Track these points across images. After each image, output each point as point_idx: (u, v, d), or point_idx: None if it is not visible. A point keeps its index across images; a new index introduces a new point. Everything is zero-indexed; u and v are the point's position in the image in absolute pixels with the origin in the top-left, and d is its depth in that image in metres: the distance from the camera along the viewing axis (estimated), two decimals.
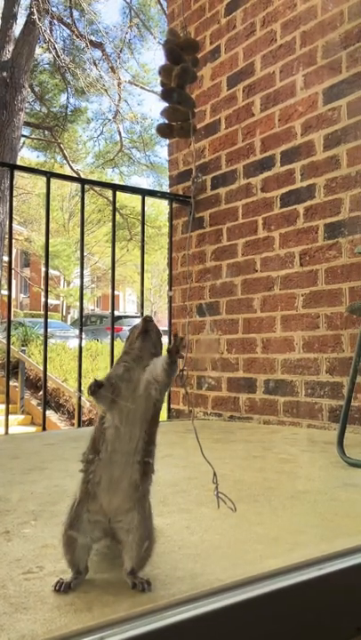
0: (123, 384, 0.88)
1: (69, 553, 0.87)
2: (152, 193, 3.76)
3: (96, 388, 0.87)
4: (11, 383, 8.77)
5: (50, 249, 3.03)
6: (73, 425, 7.96)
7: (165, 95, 0.93)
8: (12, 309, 3.16)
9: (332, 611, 0.61)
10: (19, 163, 14.43)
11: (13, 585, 0.87)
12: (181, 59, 0.94)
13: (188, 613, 0.50)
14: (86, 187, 3.29)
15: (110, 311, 3.36)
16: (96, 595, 0.83)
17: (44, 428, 3.11)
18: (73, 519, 0.87)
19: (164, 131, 0.98)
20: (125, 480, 0.86)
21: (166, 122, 0.95)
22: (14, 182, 2.94)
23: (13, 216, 3.07)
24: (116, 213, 3.46)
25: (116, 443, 0.86)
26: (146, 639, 0.46)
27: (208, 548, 1.05)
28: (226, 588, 0.55)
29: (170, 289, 3.50)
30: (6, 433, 2.84)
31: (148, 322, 0.94)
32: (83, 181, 3.34)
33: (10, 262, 2.96)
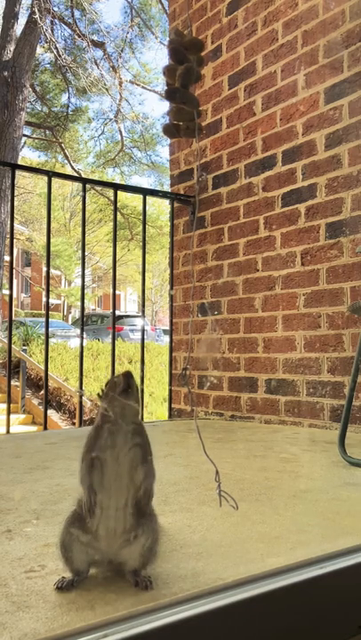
0: (107, 451, 0.86)
1: (67, 561, 0.87)
2: (153, 192, 3.76)
3: (94, 501, 0.86)
4: (12, 382, 8.79)
5: (51, 248, 3.04)
6: (74, 424, 7.97)
7: (169, 95, 0.93)
8: (14, 309, 3.16)
9: (333, 609, 0.61)
10: (20, 162, 14.45)
11: (15, 583, 0.88)
12: (186, 58, 0.93)
13: (190, 612, 0.50)
14: (87, 186, 3.29)
15: (111, 311, 3.36)
16: (98, 593, 0.84)
17: (45, 428, 3.12)
18: (69, 531, 0.87)
19: (170, 131, 0.98)
20: (120, 528, 0.86)
21: (172, 122, 0.95)
22: (15, 182, 2.94)
23: (15, 216, 3.07)
24: (118, 213, 3.47)
25: (108, 501, 0.86)
26: (148, 637, 0.47)
27: (210, 547, 1.05)
28: (228, 586, 0.55)
29: (171, 288, 3.50)
30: (8, 432, 2.84)
31: (129, 378, 0.89)
32: (84, 181, 3.34)
33: (11, 262, 2.96)
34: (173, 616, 0.48)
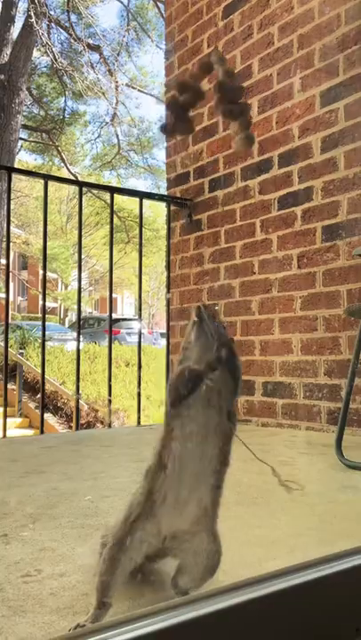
0: (206, 401, 0.74)
1: (109, 574, 0.74)
2: (150, 195, 3.76)
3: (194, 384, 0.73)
4: (8, 386, 8.75)
5: (48, 252, 3.03)
6: (71, 428, 7.95)
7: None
8: (10, 312, 3.15)
9: (330, 612, 0.61)
10: (16, 166, 14.44)
11: (12, 588, 0.87)
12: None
13: (186, 615, 0.50)
14: (84, 189, 3.29)
15: (108, 314, 3.36)
16: (95, 597, 0.83)
17: (41, 431, 3.11)
18: (124, 536, 0.74)
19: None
20: (193, 503, 0.75)
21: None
22: (12, 185, 2.94)
23: (11, 219, 3.07)
24: (114, 216, 3.46)
25: (185, 459, 0.74)
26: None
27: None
28: (224, 590, 0.55)
29: (168, 291, 3.50)
30: (4, 436, 2.83)
31: (199, 309, 0.77)
32: (80, 184, 3.34)
33: (7, 265, 2.96)
34: (171, 619, 0.48)
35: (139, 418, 3.34)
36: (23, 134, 14.75)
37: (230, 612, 0.52)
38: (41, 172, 13.22)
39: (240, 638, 0.53)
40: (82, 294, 3.39)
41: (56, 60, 12.75)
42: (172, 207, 3.55)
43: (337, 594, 0.63)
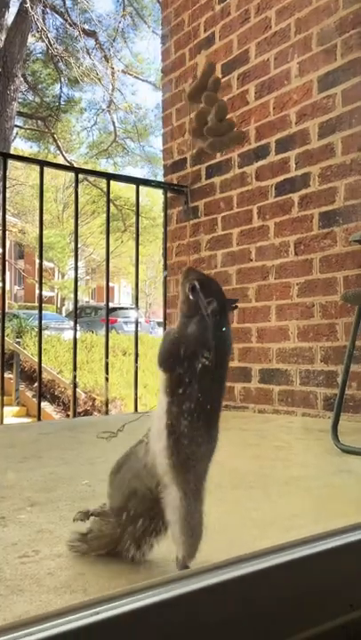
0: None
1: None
2: (146, 182, 3.75)
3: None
4: (6, 375, 8.74)
5: (44, 240, 3.01)
6: (68, 416, 7.97)
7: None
8: (7, 301, 3.15)
9: (325, 588, 0.61)
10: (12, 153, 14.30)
11: (9, 568, 0.88)
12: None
13: (180, 589, 0.50)
14: (80, 177, 3.27)
15: (105, 303, 3.36)
16: (91, 576, 0.84)
17: (39, 419, 3.11)
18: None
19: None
20: (159, 444, 0.84)
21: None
22: (7, 173, 2.92)
23: (7, 207, 3.05)
24: (111, 204, 3.45)
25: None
26: (140, 613, 0.47)
27: (203, 533, 1.06)
28: (219, 565, 0.56)
29: (165, 269, 3.49)
30: (1, 423, 2.84)
31: (192, 284, 0.84)
32: (77, 170, 3.31)
33: (3, 254, 2.94)
34: (165, 593, 0.49)
35: (136, 405, 3.35)
36: (18, 122, 14.60)
37: (225, 586, 0.53)
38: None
39: (235, 612, 0.54)
40: (78, 283, 3.38)
41: (51, 46, 12.62)
42: (169, 194, 3.53)
43: (330, 570, 0.64)
